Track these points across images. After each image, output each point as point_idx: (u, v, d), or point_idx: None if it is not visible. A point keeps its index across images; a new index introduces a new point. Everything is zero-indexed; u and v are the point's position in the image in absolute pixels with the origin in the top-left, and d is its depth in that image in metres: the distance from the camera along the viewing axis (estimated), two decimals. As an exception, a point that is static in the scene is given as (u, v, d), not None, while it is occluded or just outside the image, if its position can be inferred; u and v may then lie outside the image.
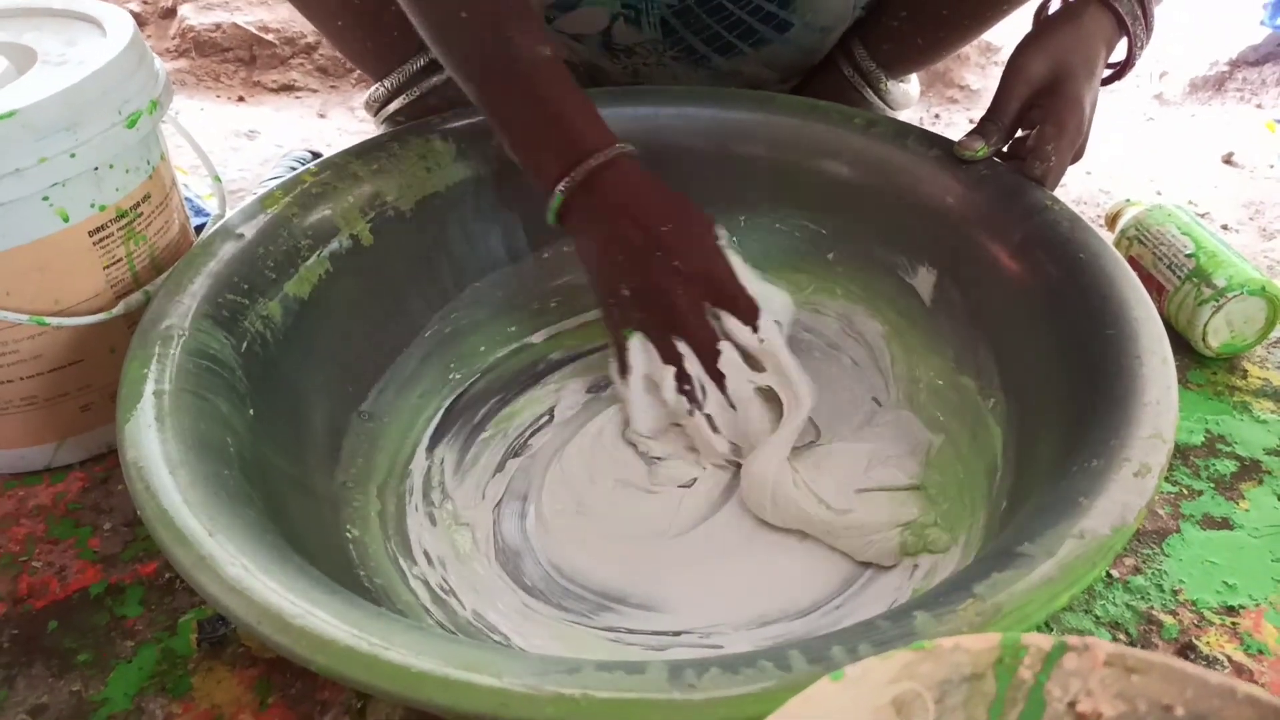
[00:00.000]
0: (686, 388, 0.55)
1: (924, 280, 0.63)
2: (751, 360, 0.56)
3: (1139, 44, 0.61)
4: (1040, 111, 0.59)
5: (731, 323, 0.55)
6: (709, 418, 0.55)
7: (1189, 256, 0.66)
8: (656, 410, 0.56)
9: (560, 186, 0.54)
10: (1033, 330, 0.54)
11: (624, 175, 0.55)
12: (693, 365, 0.54)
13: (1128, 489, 0.38)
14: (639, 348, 0.55)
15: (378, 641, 0.32)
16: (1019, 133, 0.61)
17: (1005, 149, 0.61)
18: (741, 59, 0.77)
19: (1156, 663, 0.26)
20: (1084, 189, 0.85)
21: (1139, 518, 0.37)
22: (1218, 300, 0.63)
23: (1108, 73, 0.62)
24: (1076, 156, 0.60)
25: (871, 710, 0.25)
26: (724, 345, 0.55)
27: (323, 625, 0.33)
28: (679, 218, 0.56)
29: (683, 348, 0.54)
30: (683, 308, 0.54)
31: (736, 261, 0.57)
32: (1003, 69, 0.61)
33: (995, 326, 0.57)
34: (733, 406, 0.55)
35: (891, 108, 0.82)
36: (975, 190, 0.60)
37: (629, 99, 0.71)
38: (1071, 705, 0.27)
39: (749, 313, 0.55)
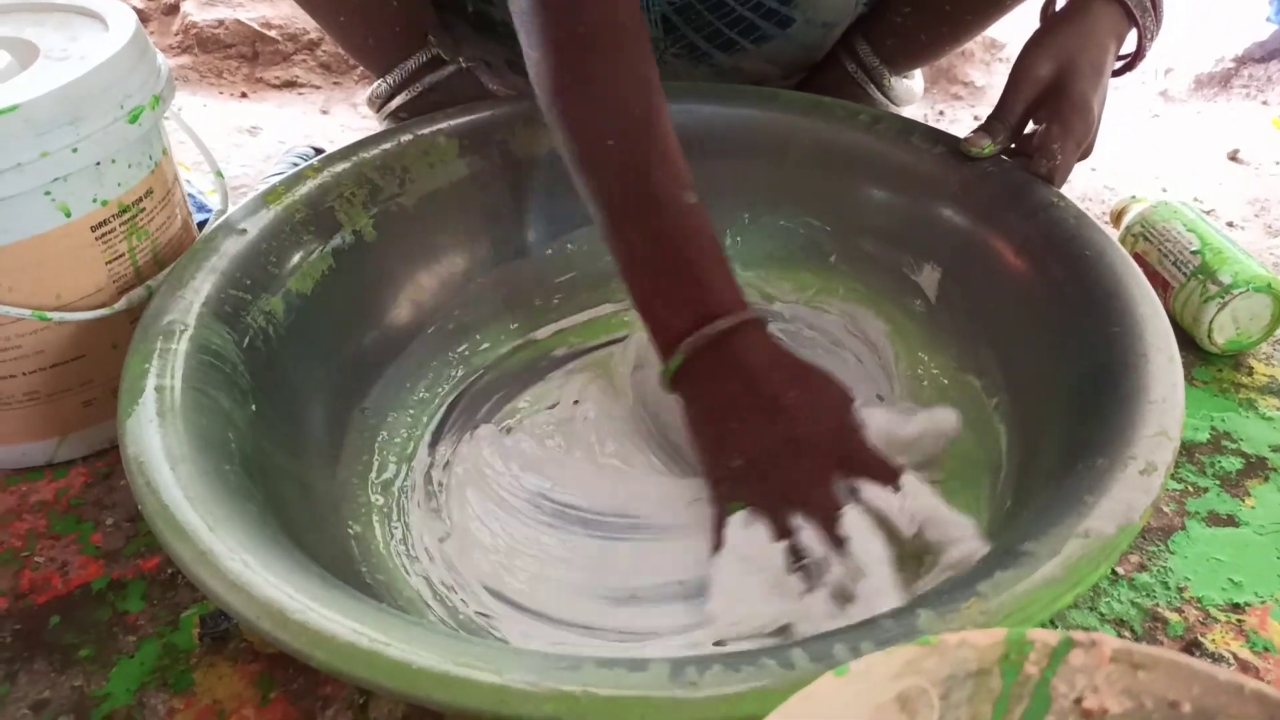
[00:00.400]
0: (802, 564, 0.46)
1: (928, 278, 0.62)
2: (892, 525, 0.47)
3: (1148, 35, 0.60)
4: (1047, 111, 0.59)
5: (869, 490, 0.47)
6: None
7: (1194, 253, 0.66)
8: (746, 591, 0.46)
9: (683, 345, 0.49)
10: (1037, 328, 0.54)
11: (752, 340, 0.50)
12: (809, 537, 0.46)
13: (1133, 487, 0.38)
14: (740, 523, 0.47)
15: (378, 637, 0.32)
16: (1027, 128, 0.61)
17: (1012, 145, 0.61)
18: (743, 55, 0.77)
19: (1163, 659, 0.25)
20: (1089, 185, 0.84)
21: (1144, 516, 0.37)
22: (1223, 297, 0.63)
23: (1118, 64, 0.61)
24: (1084, 155, 0.60)
25: (875, 706, 0.25)
26: (849, 509, 0.46)
27: (323, 621, 0.33)
28: (808, 386, 0.51)
29: (799, 522, 0.46)
30: (800, 477, 0.48)
31: (877, 413, 0.51)
32: (1008, 66, 0.61)
33: (1000, 324, 0.57)
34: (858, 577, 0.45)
35: (895, 104, 0.82)
36: (980, 187, 0.60)
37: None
38: (1078, 701, 0.27)
39: (887, 477, 0.48)
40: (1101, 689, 0.26)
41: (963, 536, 0.45)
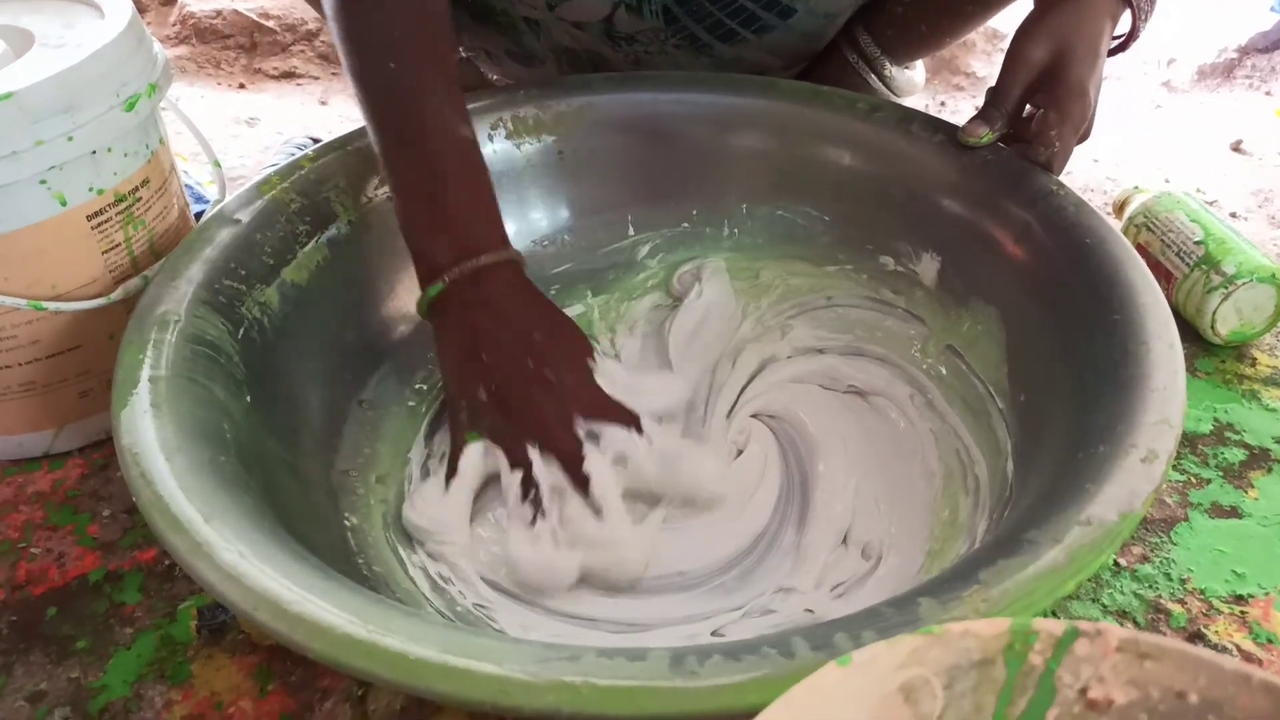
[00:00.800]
0: (532, 497, 0.49)
1: (927, 267, 0.62)
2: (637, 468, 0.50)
3: (1142, 15, 0.60)
4: (1043, 96, 0.59)
5: (611, 431, 0.50)
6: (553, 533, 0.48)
7: (1198, 244, 0.65)
8: (457, 516, 0.50)
9: (445, 277, 0.51)
10: (1038, 316, 0.53)
11: (509, 278, 0.52)
12: (544, 474, 0.48)
13: (1135, 475, 0.38)
14: (478, 452, 0.50)
15: (376, 628, 0.32)
16: (1025, 112, 0.60)
17: (1011, 130, 0.60)
18: (744, 46, 0.77)
19: (1170, 649, 0.25)
20: (1091, 176, 0.84)
21: (1146, 504, 0.37)
22: (1227, 287, 0.63)
23: (1113, 44, 0.61)
24: (1083, 138, 0.60)
25: (879, 697, 0.25)
26: (590, 450, 0.49)
27: (320, 612, 0.32)
28: (557, 331, 0.53)
29: (534, 454, 0.49)
30: (546, 415, 0.50)
31: (616, 367, 0.56)
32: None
33: (1000, 313, 0.57)
34: (597, 513, 0.48)
35: (896, 94, 0.82)
36: (979, 176, 0.60)
37: (630, 85, 0.70)
38: (1083, 692, 0.26)
39: (628, 421, 0.51)
40: (1107, 679, 0.26)
41: (711, 473, 0.51)
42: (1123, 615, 0.49)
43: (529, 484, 0.49)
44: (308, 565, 0.36)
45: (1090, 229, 0.53)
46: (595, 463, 0.49)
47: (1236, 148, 0.87)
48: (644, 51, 0.78)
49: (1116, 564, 0.52)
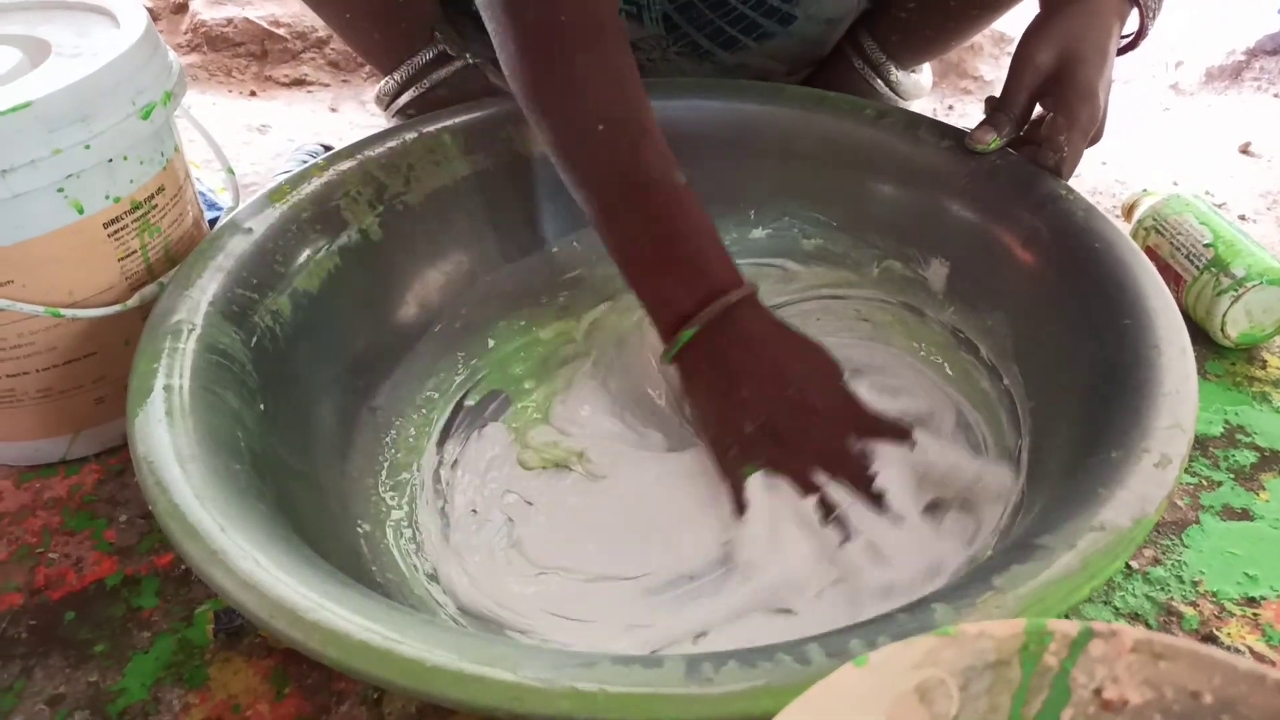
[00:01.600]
0: (834, 517, 0.48)
1: (936, 273, 0.62)
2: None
3: (1150, 13, 0.60)
4: (1052, 100, 0.59)
5: (885, 448, 0.50)
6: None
7: (1207, 246, 0.65)
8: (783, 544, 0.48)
9: (694, 320, 0.51)
10: (1048, 322, 0.54)
11: (755, 313, 0.53)
12: (838, 493, 0.48)
13: (1148, 480, 0.38)
14: (760, 485, 0.49)
15: (392, 636, 0.32)
16: (1034, 114, 0.60)
17: (1019, 134, 0.60)
18: (746, 53, 0.77)
19: (1184, 649, 0.25)
20: (1099, 179, 0.84)
21: (1160, 509, 0.37)
22: (1236, 290, 0.63)
23: (1121, 44, 0.61)
24: (1093, 141, 0.60)
25: (894, 698, 0.25)
26: (879, 465, 0.49)
27: (336, 620, 0.33)
28: (808, 357, 0.53)
29: (822, 479, 0.49)
30: (822, 439, 0.50)
31: (860, 385, 0.54)
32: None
33: (1009, 318, 0.57)
34: (897, 524, 0.48)
35: (902, 98, 0.82)
36: (988, 181, 0.60)
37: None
38: (1097, 692, 0.26)
39: (900, 434, 0.51)
40: (1122, 679, 0.26)
41: (989, 476, 0.49)
42: (1135, 618, 0.49)
43: (826, 508, 0.48)
44: (323, 572, 0.36)
45: (1099, 233, 0.53)
46: (885, 479, 0.48)
47: (1245, 150, 0.87)
48: (646, 59, 0.78)
49: (1128, 567, 0.52)
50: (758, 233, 0.69)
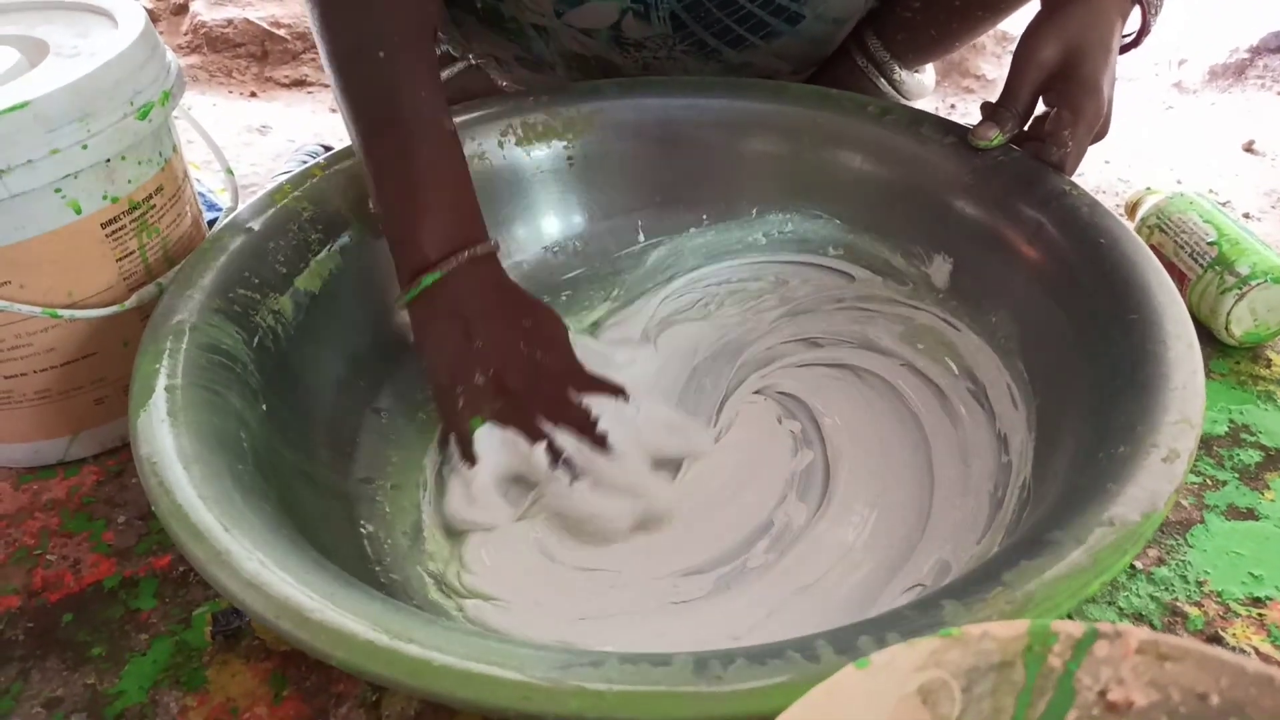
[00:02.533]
0: (564, 460, 0.52)
1: (939, 269, 0.62)
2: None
3: (1153, 10, 0.59)
4: (1055, 95, 0.58)
5: (600, 402, 0.54)
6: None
7: (1211, 244, 0.65)
8: (496, 497, 0.52)
9: (438, 269, 0.52)
10: (1053, 318, 0.53)
11: (493, 270, 0.55)
12: (565, 439, 0.52)
13: (1156, 475, 0.38)
14: (488, 434, 0.52)
15: (398, 635, 0.31)
16: (1038, 110, 0.60)
17: (1023, 131, 0.60)
18: (752, 51, 0.77)
19: (1191, 650, 0.25)
20: (1102, 178, 0.84)
21: (1169, 504, 0.37)
22: (1241, 288, 0.62)
23: (1124, 41, 0.60)
24: (1098, 137, 0.59)
25: (897, 699, 0.25)
26: (598, 415, 0.54)
27: (341, 619, 0.32)
28: (538, 316, 0.56)
29: (548, 427, 0.53)
30: (548, 391, 0.54)
31: (591, 343, 0.60)
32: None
33: (1014, 315, 0.57)
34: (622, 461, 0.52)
35: (906, 97, 0.82)
36: (991, 177, 0.59)
37: (640, 90, 0.70)
38: (1102, 694, 0.26)
39: (616, 391, 0.55)
40: (1127, 681, 0.26)
41: (698, 436, 0.55)
42: (1139, 618, 0.49)
43: (554, 453, 0.52)
44: (327, 573, 0.36)
45: (1104, 229, 0.53)
46: (605, 423, 0.53)
47: (1249, 148, 0.87)
48: (652, 57, 0.78)
49: (1132, 566, 0.51)
50: (759, 231, 0.69)
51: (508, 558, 0.49)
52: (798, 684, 0.29)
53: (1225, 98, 0.93)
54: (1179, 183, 0.82)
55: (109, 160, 0.51)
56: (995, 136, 0.59)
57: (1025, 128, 0.60)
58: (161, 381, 0.44)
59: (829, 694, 0.24)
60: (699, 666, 0.30)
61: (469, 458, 0.52)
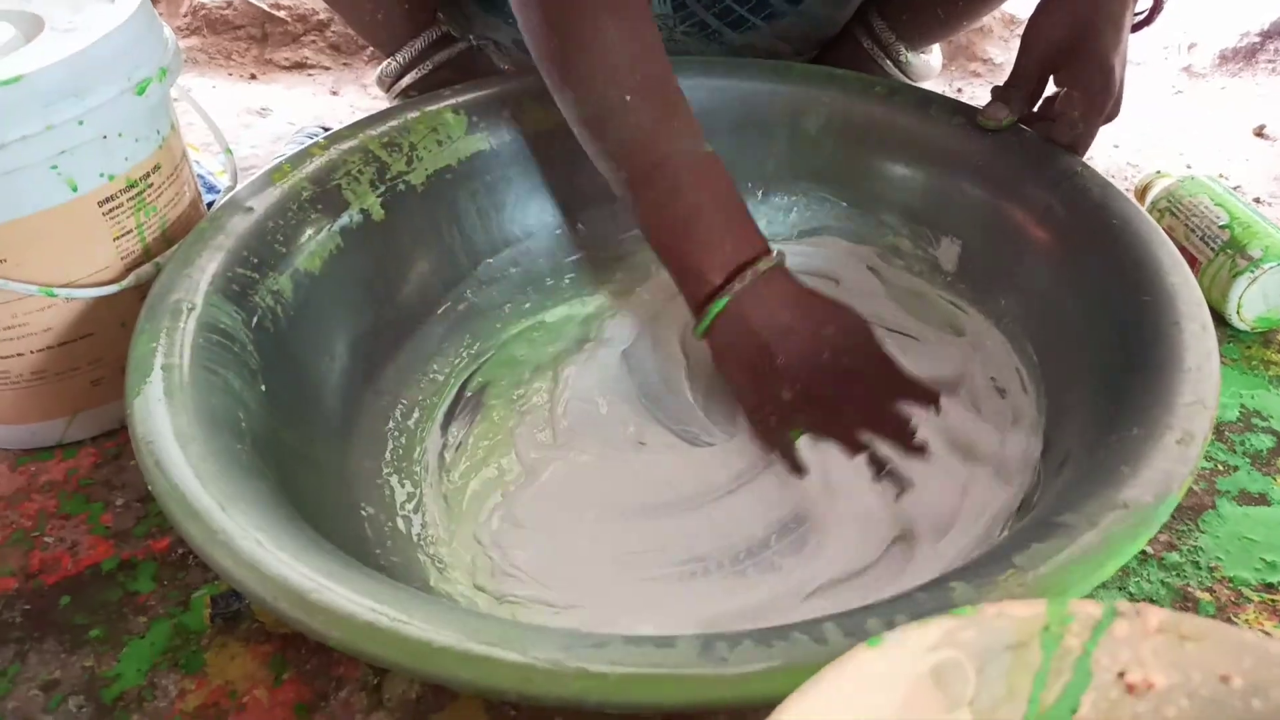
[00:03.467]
0: (888, 471, 0.50)
1: (947, 251, 0.61)
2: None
3: None
4: (1066, 74, 0.57)
5: (914, 409, 0.52)
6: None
7: (1223, 228, 0.64)
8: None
9: (726, 292, 0.51)
10: (1063, 299, 0.53)
11: (783, 282, 0.53)
12: (884, 448, 0.50)
13: (1171, 457, 0.37)
14: (809, 446, 0.51)
15: (398, 616, 0.31)
16: (1049, 91, 0.59)
17: (1034, 109, 0.59)
18: (754, 33, 0.76)
19: (1213, 630, 0.24)
20: (1111, 162, 0.83)
21: (1184, 487, 0.36)
22: (1253, 271, 0.61)
23: (1136, 19, 0.59)
24: (1109, 117, 0.58)
25: (910, 679, 0.24)
26: (916, 422, 0.51)
27: (340, 600, 0.32)
28: (839, 319, 0.54)
29: (867, 437, 0.51)
30: (860, 400, 0.52)
31: (890, 340, 0.57)
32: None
33: (1023, 297, 0.56)
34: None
35: (912, 79, 0.81)
36: (1001, 158, 0.59)
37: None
38: (1120, 675, 0.25)
39: (929, 398, 0.53)
40: (1147, 662, 0.25)
41: (1010, 444, 0.50)
42: (1150, 603, 0.48)
43: (878, 464, 0.50)
44: (326, 552, 0.35)
45: (1116, 210, 0.52)
46: (924, 433, 0.51)
47: (1260, 133, 0.86)
48: (655, 39, 0.77)
49: (1143, 551, 0.51)
50: (766, 211, 0.68)
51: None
52: (804, 665, 0.29)
53: (1235, 82, 0.92)
54: (1189, 167, 0.81)
55: (105, 137, 0.50)
56: (1005, 118, 0.58)
57: (1035, 108, 0.60)
58: (159, 361, 0.43)
59: (840, 673, 0.23)
60: (705, 648, 0.29)
61: (797, 470, 0.51)
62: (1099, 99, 0.56)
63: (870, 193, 0.65)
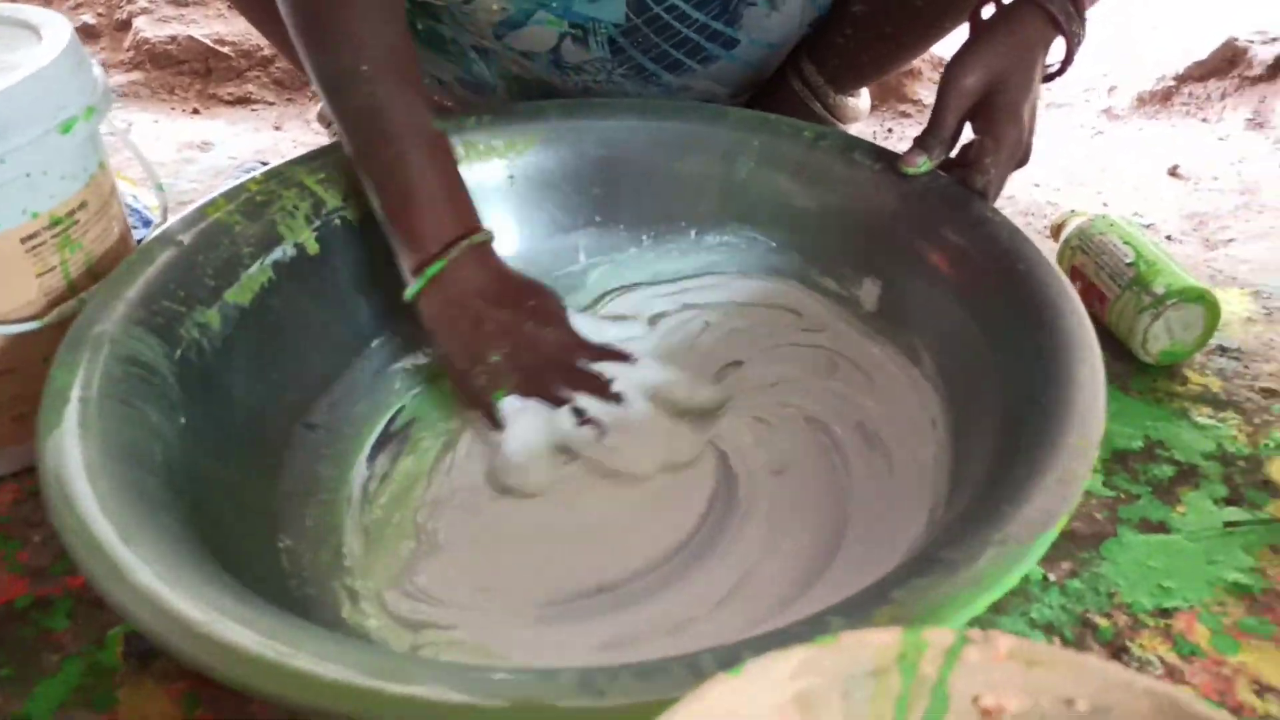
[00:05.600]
0: (587, 420, 0.57)
1: (868, 291, 0.63)
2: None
3: (1076, 40, 0.61)
4: (980, 123, 0.60)
5: (610, 366, 0.59)
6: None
7: (1129, 265, 0.67)
8: (540, 458, 0.56)
9: (441, 259, 0.56)
10: (972, 341, 0.54)
11: (491, 258, 0.59)
12: (585, 401, 0.57)
13: (1051, 496, 0.39)
14: (511, 404, 0.57)
15: (285, 649, 0.31)
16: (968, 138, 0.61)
17: (954, 154, 0.62)
18: (690, 76, 0.78)
19: (1058, 657, 0.26)
20: (1032, 200, 0.86)
21: (1060, 525, 0.38)
22: (1157, 308, 0.64)
23: (1048, 71, 0.62)
24: (1021, 163, 0.61)
25: (773, 707, 0.25)
26: (611, 378, 0.59)
27: (229, 633, 0.32)
28: (538, 296, 0.61)
29: (566, 393, 0.57)
30: (561, 362, 0.59)
31: (584, 319, 0.63)
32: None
33: (937, 337, 0.58)
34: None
35: (842, 121, 0.83)
36: (918, 203, 0.61)
37: (582, 111, 0.71)
38: (975, 700, 0.27)
39: (621, 356, 0.60)
40: (999, 687, 0.26)
41: (701, 387, 0.60)
42: (1050, 629, 0.50)
43: (579, 413, 0.57)
44: (221, 586, 0.35)
45: (1023, 255, 0.55)
46: (620, 384, 0.58)
47: (1174, 173, 0.89)
48: (592, 81, 0.79)
49: (1045, 579, 0.53)
50: (699, 251, 0.70)
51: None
52: (679, 699, 0.30)
53: (1152, 124, 0.96)
54: (1105, 206, 0.85)
55: (29, 174, 0.51)
56: (922, 163, 0.61)
57: (953, 154, 0.62)
58: (75, 394, 0.44)
59: (701, 703, 0.24)
60: (584, 681, 0.30)
61: (496, 425, 0.57)
62: (1009, 146, 0.59)
63: (798, 232, 0.67)
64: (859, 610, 0.34)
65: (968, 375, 0.54)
